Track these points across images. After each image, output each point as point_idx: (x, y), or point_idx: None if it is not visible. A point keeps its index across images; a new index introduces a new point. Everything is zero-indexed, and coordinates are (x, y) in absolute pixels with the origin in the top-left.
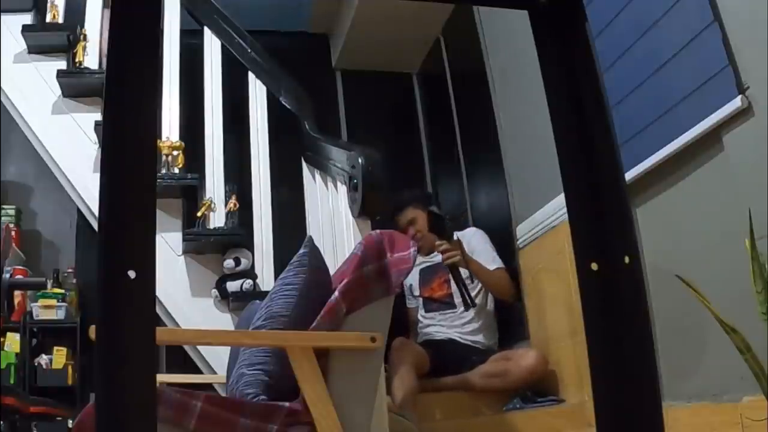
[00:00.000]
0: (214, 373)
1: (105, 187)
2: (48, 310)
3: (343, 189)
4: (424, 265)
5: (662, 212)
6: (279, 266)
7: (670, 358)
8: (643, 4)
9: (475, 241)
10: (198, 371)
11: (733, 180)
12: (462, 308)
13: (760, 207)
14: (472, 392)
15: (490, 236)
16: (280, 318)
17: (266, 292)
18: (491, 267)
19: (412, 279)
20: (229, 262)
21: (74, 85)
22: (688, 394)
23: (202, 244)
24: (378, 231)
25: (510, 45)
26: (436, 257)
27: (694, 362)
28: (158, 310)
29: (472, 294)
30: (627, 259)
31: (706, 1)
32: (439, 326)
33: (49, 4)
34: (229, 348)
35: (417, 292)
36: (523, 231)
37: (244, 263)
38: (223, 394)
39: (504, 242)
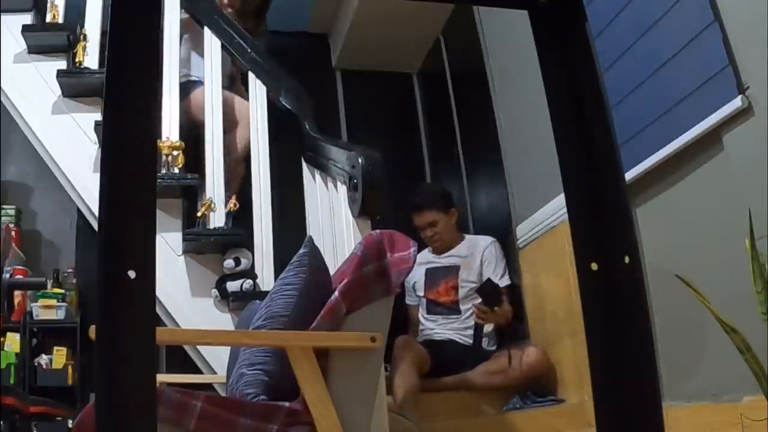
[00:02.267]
0: (214, 373)
1: (105, 187)
2: (48, 310)
3: (343, 189)
4: (430, 266)
5: (662, 212)
6: (279, 266)
7: (670, 358)
8: (643, 4)
9: (488, 253)
10: (198, 371)
11: (733, 180)
12: (465, 316)
13: (760, 207)
14: (473, 392)
15: (490, 235)
16: (280, 318)
17: (266, 292)
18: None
19: (417, 277)
20: (229, 262)
21: (74, 85)
22: (688, 394)
23: (202, 244)
24: (378, 231)
25: (510, 45)
26: (445, 258)
27: (694, 362)
28: (158, 310)
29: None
30: (627, 259)
31: (706, 1)
32: (440, 328)
33: (49, 4)
34: (229, 348)
35: (421, 292)
36: (523, 231)
37: (244, 263)
38: (223, 394)
39: (504, 242)
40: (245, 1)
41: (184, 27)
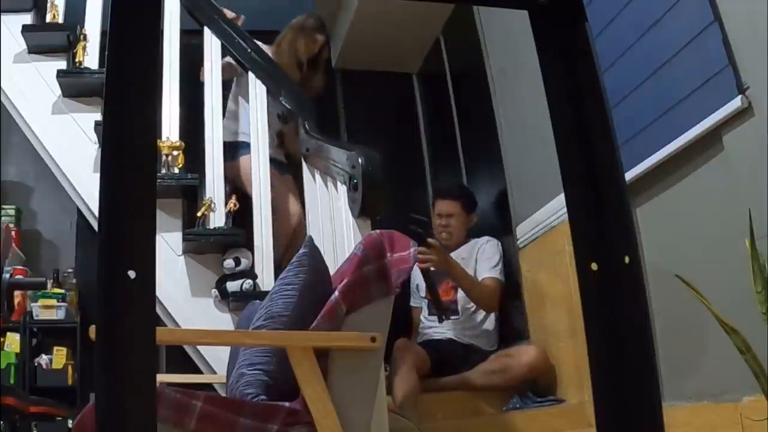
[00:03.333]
0: (214, 373)
1: (105, 187)
2: (48, 310)
3: (343, 189)
4: (433, 267)
5: (662, 212)
6: (279, 266)
7: (670, 358)
8: (643, 4)
9: (481, 249)
10: (198, 371)
11: (733, 180)
12: (464, 316)
13: (760, 207)
14: (473, 392)
15: (490, 235)
16: (280, 318)
17: (266, 292)
18: (485, 275)
19: (420, 279)
20: (229, 262)
21: (74, 85)
22: (688, 394)
23: (202, 244)
24: (378, 231)
25: (510, 45)
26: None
27: (694, 362)
28: (158, 310)
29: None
30: (627, 259)
31: (706, 1)
32: (439, 327)
33: (49, 4)
34: (229, 348)
35: (423, 293)
36: (523, 231)
37: (244, 263)
38: (223, 394)
39: (504, 242)
40: (297, 52)
41: (227, 74)
